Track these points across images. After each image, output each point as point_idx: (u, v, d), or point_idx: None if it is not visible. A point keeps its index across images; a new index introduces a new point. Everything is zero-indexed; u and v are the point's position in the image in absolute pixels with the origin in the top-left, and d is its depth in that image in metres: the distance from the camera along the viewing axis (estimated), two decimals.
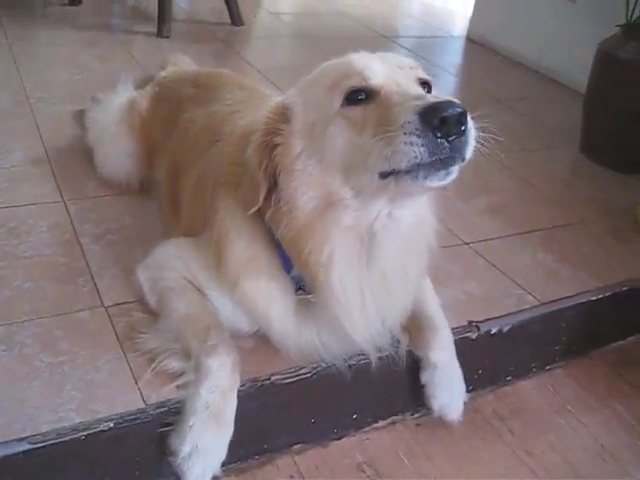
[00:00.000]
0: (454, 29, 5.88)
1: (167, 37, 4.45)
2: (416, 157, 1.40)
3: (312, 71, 1.68)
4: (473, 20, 5.48)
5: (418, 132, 1.38)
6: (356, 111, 1.52)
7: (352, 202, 1.58)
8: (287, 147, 1.57)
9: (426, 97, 1.45)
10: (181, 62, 3.25)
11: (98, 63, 3.87)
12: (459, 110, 1.39)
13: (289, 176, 1.57)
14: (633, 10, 3.34)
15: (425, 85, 1.62)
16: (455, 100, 1.42)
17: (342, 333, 1.73)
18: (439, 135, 1.39)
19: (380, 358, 1.91)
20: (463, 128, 1.41)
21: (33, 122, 3.01)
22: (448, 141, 1.40)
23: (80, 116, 2.99)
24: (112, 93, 2.88)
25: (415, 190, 1.56)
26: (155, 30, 4.48)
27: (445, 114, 1.38)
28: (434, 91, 1.64)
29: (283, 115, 1.60)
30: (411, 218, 1.68)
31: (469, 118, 1.43)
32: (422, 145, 1.39)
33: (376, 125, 1.47)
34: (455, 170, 1.48)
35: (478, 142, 1.48)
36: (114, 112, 2.67)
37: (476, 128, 1.47)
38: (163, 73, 2.82)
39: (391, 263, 1.69)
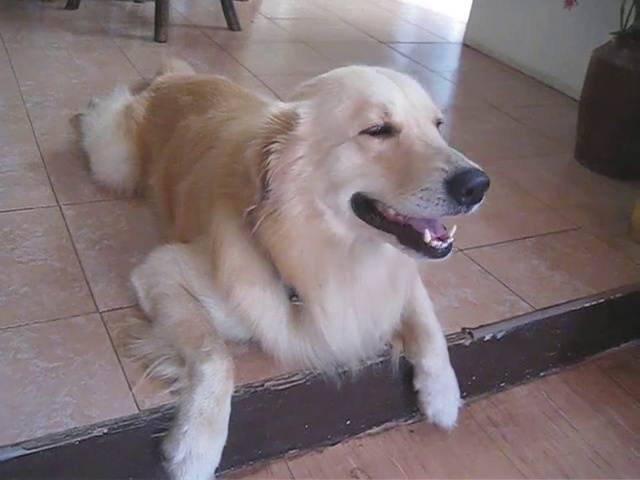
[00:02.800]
0: (451, 35, 5.90)
1: (164, 42, 4.46)
2: (429, 214, 1.45)
3: (325, 80, 1.65)
4: (469, 26, 5.50)
5: (442, 198, 1.42)
6: (372, 143, 1.52)
7: (342, 218, 1.60)
8: (286, 152, 1.57)
9: (450, 158, 1.44)
10: (178, 67, 3.27)
11: (95, 67, 3.87)
12: (485, 180, 1.41)
13: (282, 178, 1.57)
14: (628, 18, 3.35)
15: (438, 124, 1.63)
16: (478, 167, 1.43)
17: (325, 344, 1.76)
18: (463, 202, 1.42)
19: (373, 365, 1.93)
20: (483, 194, 1.44)
21: (29, 126, 3.01)
22: (466, 205, 1.44)
23: (77, 120, 3.00)
24: (108, 98, 2.89)
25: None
26: (152, 34, 4.49)
27: (472, 185, 1.40)
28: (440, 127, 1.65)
29: (287, 122, 1.58)
30: None
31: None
32: (441, 208, 1.43)
33: (393, 165, 1.49)
34: None
35: None
36: (110, 117, 2.68)
37: None
38: (160, 79, 2.82)
39: (376, 279, 1.72)
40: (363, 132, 1.52)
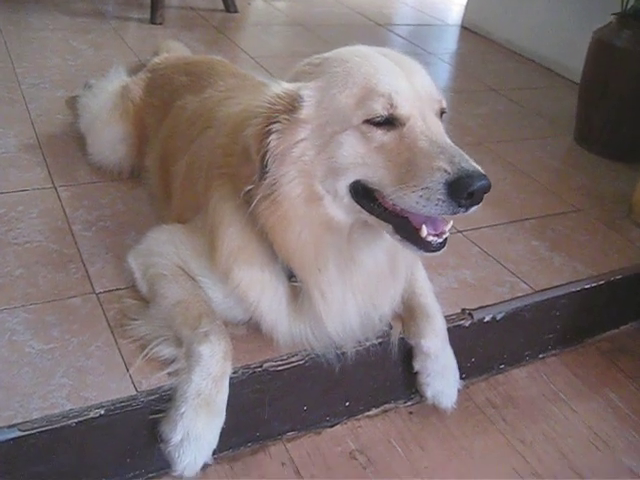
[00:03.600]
0: (449, 17, 5.86)
1: (160, 24, 4.42)
2: (428, 212, 1.44)
3: (330, 61, 1.62)
4: (468, 8, 5.46)
5: (442, 199, 1.41)
6: (376, 133, 1.50)
7: (340, 201, 1.58)
8: (287, 133, 1.54)
9: (454, 158, 1.43)
10: (174, 48, 3.24)
11: (91, 49, 3.84)
12: (486, 184, 1.40)
13: (282, 160, 1.55)
14: None
15: (442, 113, 1.62)
16: (480, 170, 1.42)
17: (323, 327, 1.75)
18: (462, 204, 1.42)
19: (372, 346, 1.92)
20: (483, 197, 1.43)
21: (24, 108, 2.99)
22: (466, 207, 1.43)
23: (73, 102, 2.97)
24: (104, 79, 2.86)
25: None
26: (148, 16, 4.45)
27: (474, 189, 1.39)
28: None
29: (290, 103, 1.55)
30: None
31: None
32: (441, 208, 1.42)
33: (395, 158, 1.48)
34: None
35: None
36: (106, 98, 2.66)
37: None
38: (156, 60, 2.79)
39: (376, 263, 1.71)
40: (367, 121, 1.50)
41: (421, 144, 1.47)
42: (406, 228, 1.53)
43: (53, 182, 2.47)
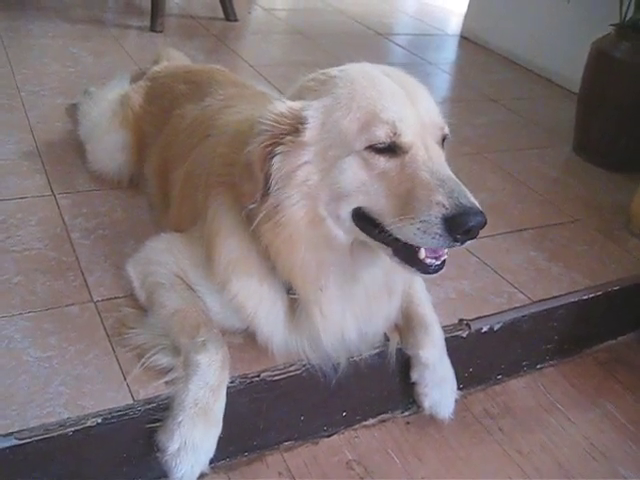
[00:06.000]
0: (448, 27, 5.88)
1: (160, 32, 4.43)
2: (425, 244, 1.46)
3: (336, 81, 1.60)
4: (467, 18, 5.48)
5: (439, 233, 1.42)
6: (379, 161, 1.50)
7: (343, 224, 1.58)
8: (291, 155, 1.54)
9: (453, 193, 1.44)
10: (174, 57, 3.24)
11: (91, 56, 3.84)
12: (482, 221, 1.42)
13: (285, 183, 1.54)
14: (627, 9, 3.34)
15: (444, 139, 1.62)
16: (478, 205, 1.43)
17: (319, 343, 1.75)
18: (459, 239, 1.43)
19: (370, 356, 1.93)
20: (478, 232, 1.45)
21: (24, 115, 2.99)
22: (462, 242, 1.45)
23: (73, 110, 2.98)
24: (105, 87, 2.87)
25: None
26: (149, 24, 4.46)
27: (469, 227, 1.41)
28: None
29: (294, 124, 1.55)
30: None
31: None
32: (437, 242, 1.44)
33: (396, 187, 1.48)
34: None
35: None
36: (106, 106, 2.67)
37: None
38: (156, 68, 2.80)
39: (374, 281, 1.72)
40: (369, 147, 1.50)
41: (422, 175, 1.47)
42: (405, 250, 1.53)
43: (52, 190, 2.47)
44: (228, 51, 4.34)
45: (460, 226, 1.41)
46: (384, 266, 1.71)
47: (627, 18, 3.35)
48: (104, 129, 2.59)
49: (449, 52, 5.33)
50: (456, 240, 1.43)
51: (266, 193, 1.56)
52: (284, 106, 1.57)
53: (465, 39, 5.43)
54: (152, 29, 4.44)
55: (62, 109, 3.08)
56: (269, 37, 4.83)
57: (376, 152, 1.50)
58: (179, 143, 2.18)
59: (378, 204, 1.51)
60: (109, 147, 2.56)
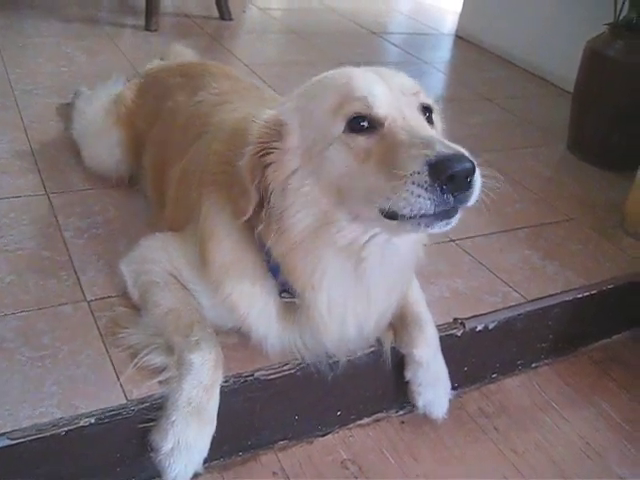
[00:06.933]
0: (443, 26, 5.87)
1: (155, 30, 4.42)
2: (421, 208, 1.39)
3: (309, 83, 1.64)
4: (462, 17, 5.47)
5: (426, 185, 1.37)
6: (359, 140, 1.49)
7: (348, 225, 1.56)
8: (281, 164, 1.54)
9: (435, 144, 1.41)
10: (182, 54, 3.21)
11: (85, 55, 3.83)
12: (468, 166, 1.38)
13: (282, 194, 1.54)
14: (621, 9, 3.34)
15: (427, 110, 1.61)
16: (465, 152, 1.41)
17: (318, 338, 1.74)
18: (446, 189, 1.38)
19: (364, 355, 1.92)
20: (470, 182, 1.40)
21: (17, 114, 2.98)
22: (454, 195, 1.39)
23: (64, 110, 2.97)
24: (100, 87, 2.86)
25: (415, 232, 1.56)
26: (143, 23, 4.45)
27: (454, 171, 1.36)
28: (434, 116, 1.63)
29: (277, 131, 1.55)
30: (407, 242, 1.69)
31: (477, 170, 1.42)
32: (428, 199, 1.38)
33: (380, 160, 1.45)
34: (456, 219, 1.48)
35: (483, 191, 1.46)
36: (101, 105, 2.66)
37: (482, 176, 1.45)
38: (150, 66, 2.80)
39: (378, 283, 1.70)
40: (348, 131, 1.49)
41: (401, 136, 1.45)
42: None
43: (45, 189, 2.47)
44: (223, 50, 4.33)
45: (445, 170, 1.36)
46: (392, 270, 1.70)
47: (621, 17, 3.35)
48: (100, 126, 2.59)
49: (444, 51, 5.33)
50: (443, 192, 1.37)
51: (266, 202, 1.56)
52: (265, 115, 1.59)
53: (460, 38, 5.43)
54: (147, 28, 4.42)
55: (55, 108, 3.07)
56: (264, 36, 4.83)
57: (356, 133, 1.49)
58: (174, 141, 2.17)
59: (372, 184, 1.46)
60: (105, 144, 2.56)
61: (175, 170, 2.07)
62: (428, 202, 1.38)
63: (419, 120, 1.54)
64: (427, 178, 1.37)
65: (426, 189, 1.37)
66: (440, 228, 1.47)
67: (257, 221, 1.60)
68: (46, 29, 4.16)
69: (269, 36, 4.89)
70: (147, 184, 2.39)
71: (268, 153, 1.54)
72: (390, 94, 1.52)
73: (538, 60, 4.73)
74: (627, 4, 3.33)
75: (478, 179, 1.43)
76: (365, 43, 4.91)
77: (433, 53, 5.15)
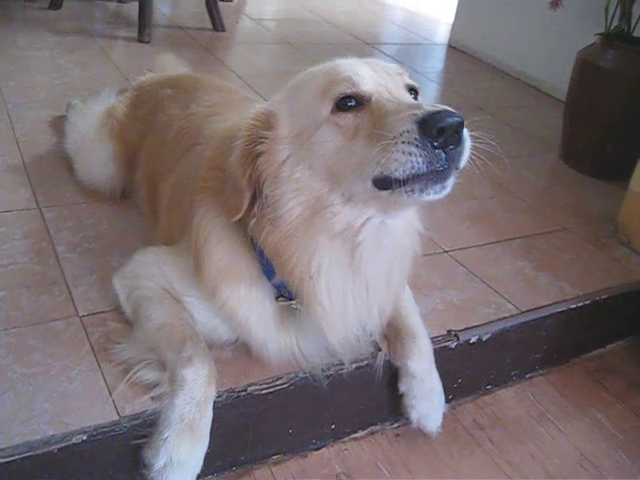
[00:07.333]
0: (436, 36, 5.90)
1: (148, 42, 4.42)
2: (413, 167, 1.38)
3: (296, 76, 1.67)
4: (455, 27, 5.50)
5: (417, 142, 1.37)
6: (347, 118, 1.50)
7: (342, 208, 1.55)
8: (272, 154, 1.55)
9: (422, 106, 1.43)
10: (169, 63, 3.21)
11: (77, 68, 3.83)
12: (457, 120, 1.38)
13: (275, 183, 1.54)
14: (612, 19, 3.36)
15: (413, 91, 1.61)
16: (452, 109, 1.41)
17: (321, 338, 1.73)
18: (437, 145, 1.38)
19: (358, 367, 1.91)
20: (459, 137, 1.40)
21: (10, 127, 2.98)
22: (445, 151, 1.39)
23: (57, 123, 2.97)
24: (92, 100, 2.86)
25: (410, 202, 1.54)
26: (136, 35, 4.46)
27: (444, 124, 1.36)
28: (420, 98, 1.63)
29: (266, 122, 1.57)
30: (401, 227, 1.67)
31: (465, 127, 1.42)
32: (420, 156, 1.37)
33: (369, 132, 1.45)
34: (450, 183, 1.47)
35: (472, 152, 1.47)
36: (94, 118, 2.66)
37: (470, 137, 1.46)
38: (142, 78, 2.79)
39: (376, 271, 1.67)
40: (336, 110, 1.50)
41: (387, 107, 1.47)
42: None
43: (38, 203, 2.46)
44: (216, 61, 4.33)
45: (434, 124, 1.36)
46: (386, 258, 1.68)
47: (612, 27, 3.36)
48: (93, 139, 2.58)
49: (437, 61, 5.35)
50: (434, 147, 1.37)
51: (258, 196, 1.56)
52: (256, 108, 1.63)
53: (453, 48, 5.45)
54: (139, 40, 4.43)
55: (48, 122, 3.07)
56: (257, 47, 4.83)
57: (344, 111, 1.50)
58: (166, 154, 2.17)
59: (365, 156, 1.46)
60: (99, 157, 2.55)
61: (167, 182, 2.07)
62: (420, 159, 1.38)
63: (406, 95, 1.55)
64: (417, 135, 1.37)
65: (417, 146, 1.37)
66: (436, 193, 1.45)
67: (249, 218, 1.60)
68: (39, 42, 4.15)
69: (262, 47, 4.89)
70: (140, 198, 2.39)
71: (258, 143, 1.55)
72: (375, 73, 1.55)
73: (531, 70, 4.75)
74: (618, 13, 3.35)
75: (467, 136, 1.44)
76: (359, 53, 4.85)
77: (426, 63, 5.16)
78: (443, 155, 1.39)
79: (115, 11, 5.12)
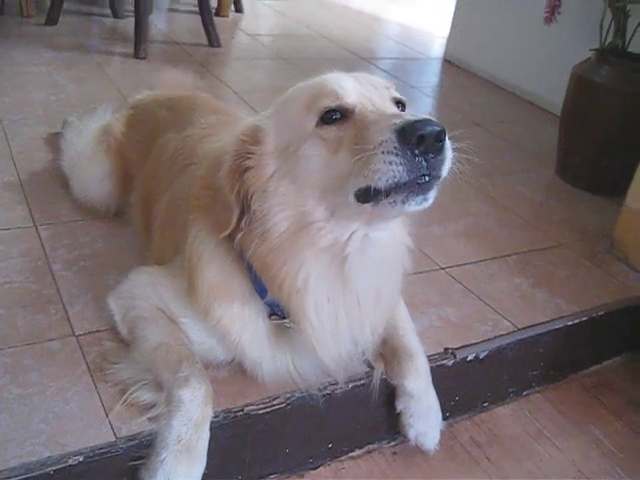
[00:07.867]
0: (431, 51, 5.92)
1: (144, 58, 4.43)
2: (395, 176, 1.38)
3: (286, 92, 1.68)
4: (450, 42, 5.53)
5: (396, 151, 1.37)
6: (330, 130, 1.51)
7: (326, 223, 1.56)
8: (259, 169, 1.56)
9: (403, 115, 1.44)
10: (173, 80, 3.19)
11: (74, 84, 3.83)
12: (437, 128, 1.38)
13: (262, 197, 1.55)
14: (607, 34, 3.38)
15: (400, 104, 1.62)
16: (432, 118, 1.41)
17: (315, 357, 1.72)
18: (417, 153, 1.38)
19: (354, 386, 1.91)
20: (441, 146, 1.40)
21: (6, 144, 2.97)
22: (426, 160, 1.39)
23: (53, 139, 2.96)
24: (88, 117, 2.86)
25: (392, 214, 1.54)
26: (132, 51, 4.47)
27: (423, 132, 1.37)
28: (409, 110, 1.63)
29: (254, 137, 1.59)
30: (386, 239, 1.67)
31: (446, 136, 1.42)
32: (400, 164, 1.38)
33: (352, 144, 1.46)
34: (432, 195, 1.47)
35: (454, 162, 1.47)
36: (90, 135, 2.66)
37: (453, 147, 1.46)
38: (138, 96, 2.80)
39: (365, 285, 1.67)
40: (321, 124, 1.51)
41: (369, 118, 1.47)
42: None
43: (34, 221, 2.45)
44: (212, 77, 4.34)
45: (413, 132, 1.36)
46: (375, 271, 1.68)
47: (607, 43, 3.38)
48: (90, 157, 2.58)
49: (432, 76, 5.37)
50: (415, 155, 1.37)
51: (246, 210, 1.57)
52: (244, 124, 1.65)
53: (448, 62, 5.48)
54: (136, 56, 4.44)
55: (44, 138, 3.07)
56: (253, 63, 4.85)
57: (328, 124, 1.51)
58: (161, 174, 2.17)
59: (344, 168, 1.46)
60: (95, 175, 2.55)
61: (162, 203, 2.07)
62: (400, 167, 1.38)
63: (391, 107, 1.56)
64: (396, 144, 1.38)
65: (396, 154, 1.38)
66: (418, 204, 1.45)
67: (237, 231, 1.60)
68: (36, 58, 4.15)
69: (258, 62, 4.91)
70: (135, 218, 2.38)
71: (246, 158, 1.56)
72: (360, 86, 1.56)
73: (526, 84, 4.77)
74: (612, 29, 3.37)
75: (449, 145, 1.44)
76: (354, 68, 4.89)
77: (421, 78, 5.19)
78: (424, 163, 1.39)
79: (111, 27, 5.14)
